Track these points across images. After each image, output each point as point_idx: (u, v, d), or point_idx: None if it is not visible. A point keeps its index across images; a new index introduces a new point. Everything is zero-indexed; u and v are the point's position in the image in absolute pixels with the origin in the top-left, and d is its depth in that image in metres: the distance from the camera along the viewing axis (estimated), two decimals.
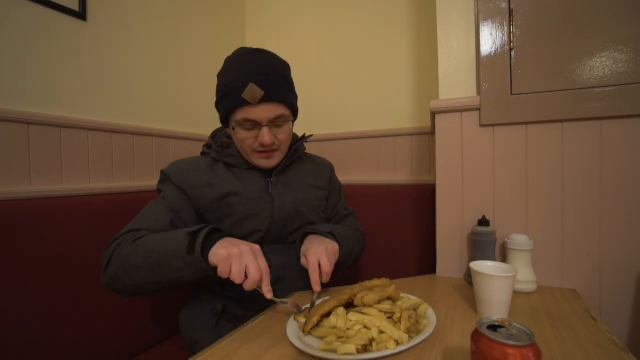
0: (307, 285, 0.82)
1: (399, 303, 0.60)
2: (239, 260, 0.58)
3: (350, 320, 0.55)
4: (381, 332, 0.52)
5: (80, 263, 0.87)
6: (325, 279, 0.69)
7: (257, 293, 0.61)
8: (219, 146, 0.86)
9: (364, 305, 0.58)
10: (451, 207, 0.91)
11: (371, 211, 1.22)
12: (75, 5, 0.99)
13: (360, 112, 1.44)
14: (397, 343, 0.50)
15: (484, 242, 0.80)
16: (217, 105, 0.82)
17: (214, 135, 0.93)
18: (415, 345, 0.52)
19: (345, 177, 1.39)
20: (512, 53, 0.84)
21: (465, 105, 0.87)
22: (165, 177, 0.82)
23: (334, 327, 0.54)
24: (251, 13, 1.69)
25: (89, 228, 0.90)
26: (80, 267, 0.86)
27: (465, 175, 0.89)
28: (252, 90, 0.73)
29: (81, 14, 1.00)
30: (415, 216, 1.16)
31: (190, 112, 1.40)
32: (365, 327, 0.53)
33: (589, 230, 0.79)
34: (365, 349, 0.50)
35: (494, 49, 0.85)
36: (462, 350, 0.51)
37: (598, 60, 0.77)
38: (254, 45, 0.84)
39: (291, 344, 0.53)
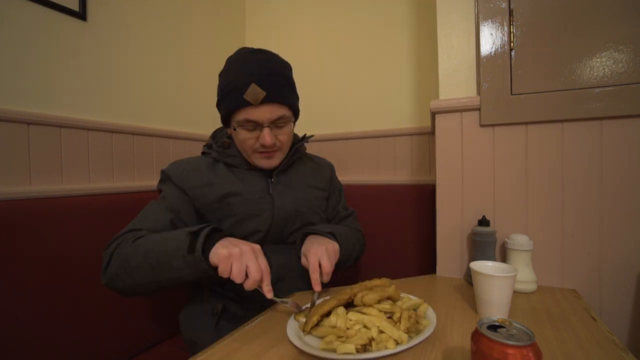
0: (307, 285, 0.82)
1: (399, 303, 0.60)
2: (239, 259, 0.58)
3: (350, 320, 0.55)
4: (381, 331, 0.52)
5: (80, 263, 0.87)
6: (326, 278, 0.69)
7: (257, 292, 0.61)
8: (220, 146, 0.86)
9: (364, 305, 0.58)
10: (451, 207, 0.91)
11: (371, 211, 1.22)
12: (75, 5, 0.99)
13: (360, 112, 1.44)
14: (397, 343, 0.50)
15: (484, 242, 0.80)
16: (218, 105, 0.82)
17: (215, 135, 0.93)
18: (415, 345, 0.52)
19: (345, 177, 1.38)
20: (512, 53, 0.84)
21: (465, 105, 0.87)
22: (165, 176, 0.82)
23: (334, 327, 0.54)
24: (251, 13, 1.70)
25: (89, 228, 0.90)
26: (80, 267, 0.86)
27: (465, 175, 0.89)
28: (254, 91, 0.73)
29: (81, 14, 1.00)
30: (415, 216, 1.16)
31: (190, 112, 1.40)
32: (365, 326, 0.53)
33: (589, 230, 0.79)
34: (364, 348, 0.50)
35: (494, 49, 0.85)
36: (462, 350, 0.51)
37: (598, 60, 0.77)
38: (254, 45, 0.84)
39: (291, 343, 0.53)
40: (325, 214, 0.96)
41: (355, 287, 0.63)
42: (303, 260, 0.74)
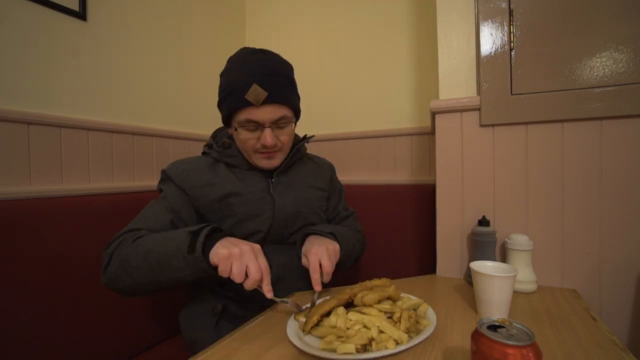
0: (307, 285, 0.82)
1: (399, 303, 0.60)
2: (239, 259, 0.58)
3: (350, 320, 0.55)
4: (381, 331, 0.52)
5: (80, 263, 0.87)
6: (326, 278, 0.69)
7: (257, 292, 0.61)
8: (220, 146, 0.85)
9: (364, 305, 0.58)
10: (451, 207, 0.91)
11: (371, 211, 1.22)
12: (75, 5, 0.99)
13: (360, 112, 1.44)
14: (397, 343, 0.50)
15: (484, 242, 0.80)
16: (219, 105, 0.82)
17: (215, 135, 0.93)
18: (415, 345, 0.52)
19: (345, 177, 1.38)
20: (512, 53, 0.84)
21: (465, 105, 0.87)
22: (165, 176, 0.82)
23: (334, 327, 0.54)
24: (251, 13, 1.70)
25: (89, 228, 0.90)
26: (80, 267, 0.86)
27: (465, 175, 0.89)
28: (256, 92, 0.73)
29: (81, 14, 1.00)
30: (415, 216, 1.16)
31: (190, 112, 1.40)
32: (365, 326, 0.53)
33: (589, 230, 0.79)
34: (364, 348, 0.50)
35: (494, 49, 0.85)
36: (462, 350, 0.51)
37: (598, 60, 0.77)
38: (254, 45, 0.84)
39: (291, 343, 0.53)
40: (326, 215, 0.96)
41: (355, 287, 0.63)
42: (303, 260, 0.74)
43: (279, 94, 0.76)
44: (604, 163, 0.77)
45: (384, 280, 0.67)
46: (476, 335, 0.39)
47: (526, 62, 0.83)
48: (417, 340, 0.51)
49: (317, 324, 0.56)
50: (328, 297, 0.64)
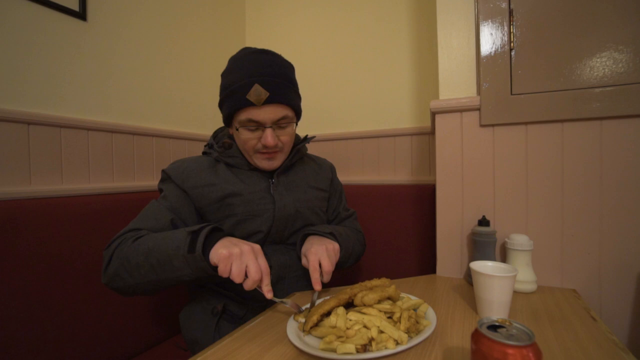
0: (307, 285, 0.82)
1: (399, 303, 0.60)
2: (239, 259, 0.58)
3: (350, 320, 0.55)
4: (381, 331, 0.52)
5: (80, 263, 0.87)
6: (326, 278, 0.69)
7: (257, 293, 0.61)
8: (221, 146, 0.85)
9: (364, 305, 0.58)
10: (451, 207, 0.91)
11: (371, 211, 1.22)
12: (75, 5, 0.99)
13: (360, 112, 1.44)
14: (397, 343, 0.50)
15: (484, 242, 0.80)
16: (221, 105, 0.82)
17: (216, 134, 0.93)
18: (415, 345, 0.52)
19: (345, 177, 1.39)
20: (512, 53, 0.84)
21: (465, 105, 0.87)
22: (166, 176, 0.82)
23: (334, 327, 0.54)
24: (251, 13, 1.70)
25: (89, 228, 0.90)
26: (80, 267, 0.86)
27: (465, 175, 0.89)
28: (257, 92, 0.73)
29: (81, 14, 1.00)
30: (415, 216, 1.17)
31: (190, 112, 1.40)
32: (365, 326, 0.53)
33: (589, 230, 0.79)
34: (364, 348, 0.50)
35: (494, 49, 0.85)
36: (462, 350, 0.51)
37: (598, 60, 0.77)
38: (254, 45, 0.84)
39: (291, 343, 0.54)
40: (326, 215, 0.96)
41: (355, 287, 0.63)
42: (303, 260, 0.74)
43: (280, 94, 0.76)
44: (604, 163, 0.77)
45: (384, 280, 0.67)
46: (476, 335, 0.39)
47: (526, 62, 0.83)
48: (417, 340, 0.51)
49: (317, 324, 0.56)
50: (327, 298, 0.64)
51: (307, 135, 0.92)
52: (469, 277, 0.84)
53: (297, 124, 0.84)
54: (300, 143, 0.89)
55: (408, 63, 1.35)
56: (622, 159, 0.76)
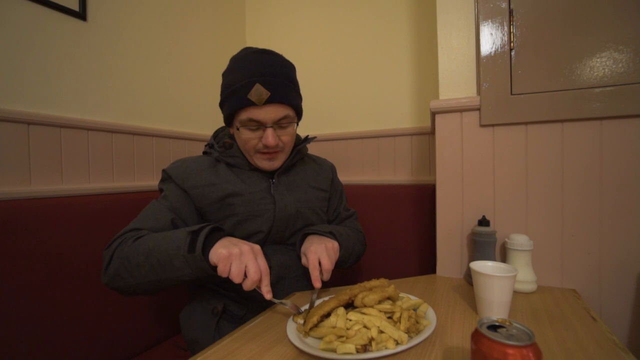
0: (308, 285, 0.82)
1: (399, 303, 0.60)
2: (238, 259, 0.58)
3: (350, 320, 0.55)
4: (381, 331, 0.52)
5: (80, 263, 0.87)
6: (326, 276, 0.69)
7: (257, 293, 0.61)
8: (221, 146, 0.85)
9: (365, 306, 0.58)
10: (451, 207, 0.91)
11: (371, 211, 1.22)
12: (75, 5, 0.99)
13: (360, 112, 1.44)
14: (397, 343, 0.50)
15: (484, 242, 0.80)
16: (222, 104, 0.82)
17: (216, 134, 0.93)
18: (415, 345, 0.52)
19: (345, 177, 1.39)
20: (512, 53, 0.84)
21: (465, 105, 0.87)
22: (166, 176, 0.82)
23: (334, 327, 0.54)
24: (251, 13, 1.70)
25: (89, 228, 0.90)
26: (80, 267, 0.86)
27: (465, 175, 0.89)
28: (258, 91, 0.73)
29: (81, 14, 1.00)
30: (415, 216, 1.17)
31: (191, 112, 1.40)
32: (365, 326, 0.53)
33: (589, 230, 0.79)
34: (364, 348, 0.50)
35: (494, 49, 0.85)
36: (462, 350, 0.51)
37: (598, 60, 0.77)
38: (254, 45, 0.84)
39: (291, 343, 0.54)
40: (327, 215, 0.96)
41: (355, 288, 0.63)
42: (303, 259, 0.74)
43: (281, 94, 0.76)
44: (604, 163, 0.77)
45: (382, 281, 0.67)
46: (476, 335, 0.39)
47: (526, 62, 0.83)
48: (417, 340, 0.51)
49: (317, 325, 0.56)
50: (327, 298, 0.64)
51: (308, 136, 0.92)
52: (469, 277, 0.84)
53: (298, 124, 0.84)
54: (301, 143, 0.89)
55: (408, 63, 1.35)
56: (622, 159, 0.76)
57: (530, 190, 0.83)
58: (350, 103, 1.46)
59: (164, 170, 0.83)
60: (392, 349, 0.49)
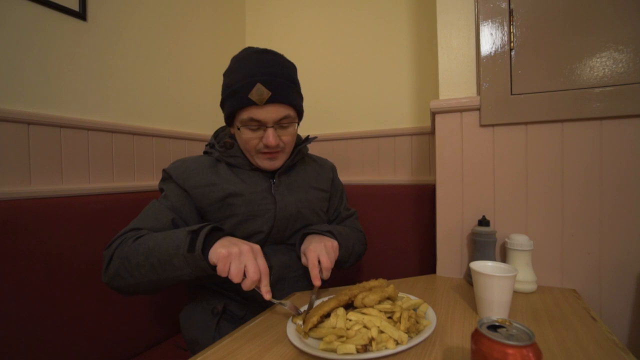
0: (308, 285, 0.82)
1: (399, 302, 0.60)
2: (238, 259, 0.58)
3: (350, 320, 0.55)
4: (381, 331, 0.52)
5: (80, 263, 0.87)
6: (325, 274, 0.69)
7: (257, 293, 0.61)
8: (222, 146, 0.85)
9: (365, 307, 0.58)
10: (451, 207, 0.91)
11: (371, 211, 1.22)
12: (75, 5, 0.99)
13: (360, 112, 1.44)
14: (397, 343, 0.50)
15: (484, 242, 0.80)
16: (222, 104, 0.82)
17: (217, 134, 0.93)
18: (415, 345, 0.52)
19: (345, 177, 1.39)
20: (512, 53, 0.84)
21: (465, 105, 0.87)
22: (167, 176, 0.82)
23: (334, 327, 0.54)
24: (251, 13, 1.70)
25: (89, 228, 0.90)
26: (80, 267, 0.86)
27: (465, 175, 0.89)
28: (259, 91, 0.73)
29: (81, 14, 1.00)
30: (415, 216, 1.17)
31: (191, 112, 1.40)
32: (365, 326, 0.53)
33: (589, 230, 0.79)
34: (365, 348, 0.50)
35: (494, 49, 0.85)
36: (462, 350, 0.51)
37: (598, 60, 0.77)
38: (254, 46, 0.84)
39: (291, 343, 0.54)
40: (327, 215, 0.96)
41: (354, 289, 0.63)
42: (303, 258, 0.74)
43: (282, 94, 0.76)
44: (604, 163, 0.77)
45: (381, 281, 0.68)
46: (476, 335, 0.39)
47: (526, 62, 0.83)
48: (417, 340, 0.51)
49: (317, 325, 0.56)
50: (326, 299, 0.64)
51: (308, 136, 0.92)
52: (469, 277, 0.84)
53: (299, 124, 0.84)
54: (301, 143, 0.89)
55: (408, 63, 1.35)
56: (622, 159, 0.76)
57: (530, 190, 0.83)
58: (350, 103, 1.46)
59: (164, 170, 0.83)
60: (392, 349, 0.49)
